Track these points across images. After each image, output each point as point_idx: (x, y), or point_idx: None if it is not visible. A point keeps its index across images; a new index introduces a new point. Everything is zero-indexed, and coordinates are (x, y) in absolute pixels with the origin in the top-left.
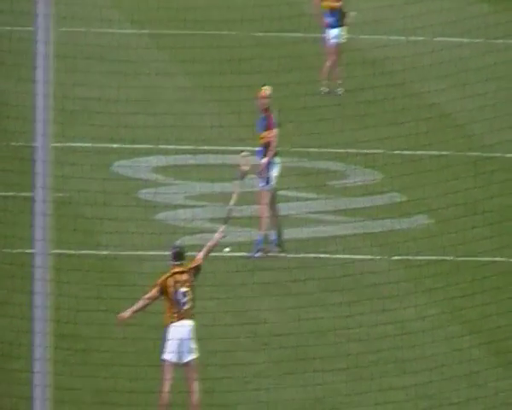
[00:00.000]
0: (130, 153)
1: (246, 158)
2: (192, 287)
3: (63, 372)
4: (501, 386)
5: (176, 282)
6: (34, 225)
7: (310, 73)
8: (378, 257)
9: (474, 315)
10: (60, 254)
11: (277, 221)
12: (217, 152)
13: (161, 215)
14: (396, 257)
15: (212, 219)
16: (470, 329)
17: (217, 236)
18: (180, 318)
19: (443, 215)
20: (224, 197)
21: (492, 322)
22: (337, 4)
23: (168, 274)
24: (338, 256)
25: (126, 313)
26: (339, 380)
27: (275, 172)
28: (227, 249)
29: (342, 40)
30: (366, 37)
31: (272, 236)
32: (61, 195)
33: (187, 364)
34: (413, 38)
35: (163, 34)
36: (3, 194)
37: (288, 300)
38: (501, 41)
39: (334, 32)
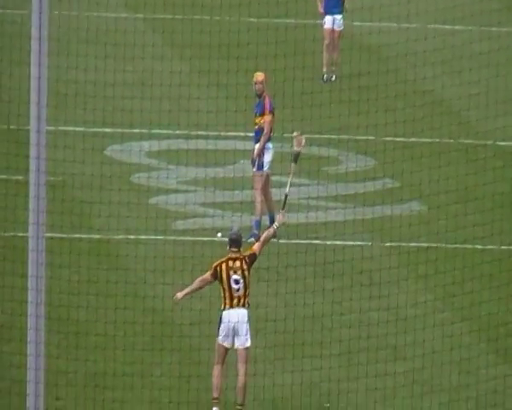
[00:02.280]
0: (124, 137)
1: (299, 138)
2: (245, 275)
3: (56, 355)
4: (492, 373)
5: (229, 268)
6: (28, 209)
7: (304, 59)
8: (370, 243)
9: (466, 302)
10: (52, 238)
11: (271, 206)
12: (210, 137)
13: (154, 200)
14: (388, 243)
15: (204, 204)
16: (462, 316)
17: (275, 224)
18: (232, 304)
19: (436, 202)
20: (216, 182)
21: (484, 309)
22: None
23: (223, 259)
24: (330, 242)
25: (180, 294)
26: (332, 365)
27: (268, 158)
28: (219, 234)
29: (338, 28)
30: (360, 23)
31: (266, 221)
32: (53, 178)
33: (237, 349)
34: (407, 25)
35: (158, 19)
36: None
37: (280, 285)
38: (495, 29)
39: (328, 18)
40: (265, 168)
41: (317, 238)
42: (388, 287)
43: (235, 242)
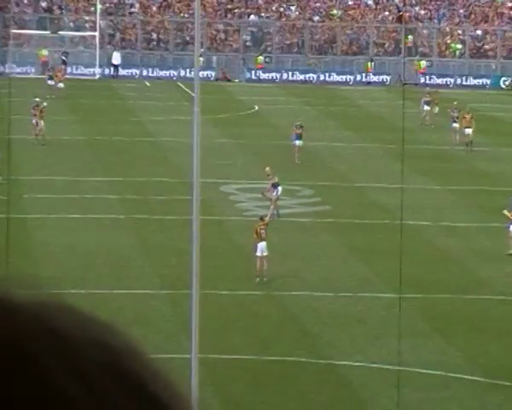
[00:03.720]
0: (227, 183)
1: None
2: (266, 231)
3: None
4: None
5: (260, 229)
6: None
7: (287, 158)
8: (318, 220)
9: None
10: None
11: (277, 206)
12: (256, 183)
13: (237, 205)
14: (322, 219)
15: (255, 206)
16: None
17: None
18: (261, 239)
19: (336, 203)
20: (259, 199)
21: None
22: (299, 131)
23: (257, 225)
24: (297, 219)
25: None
26: None
27: (279, 191)
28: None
29: (300, 145)
30: (314, 143)
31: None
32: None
33: (262, 256)
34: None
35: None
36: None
37: (282, 237)
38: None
39: (296, 142)
40: (278, 194)
41: (293, 217)
42: (323, 247)
43: (262, 218)
